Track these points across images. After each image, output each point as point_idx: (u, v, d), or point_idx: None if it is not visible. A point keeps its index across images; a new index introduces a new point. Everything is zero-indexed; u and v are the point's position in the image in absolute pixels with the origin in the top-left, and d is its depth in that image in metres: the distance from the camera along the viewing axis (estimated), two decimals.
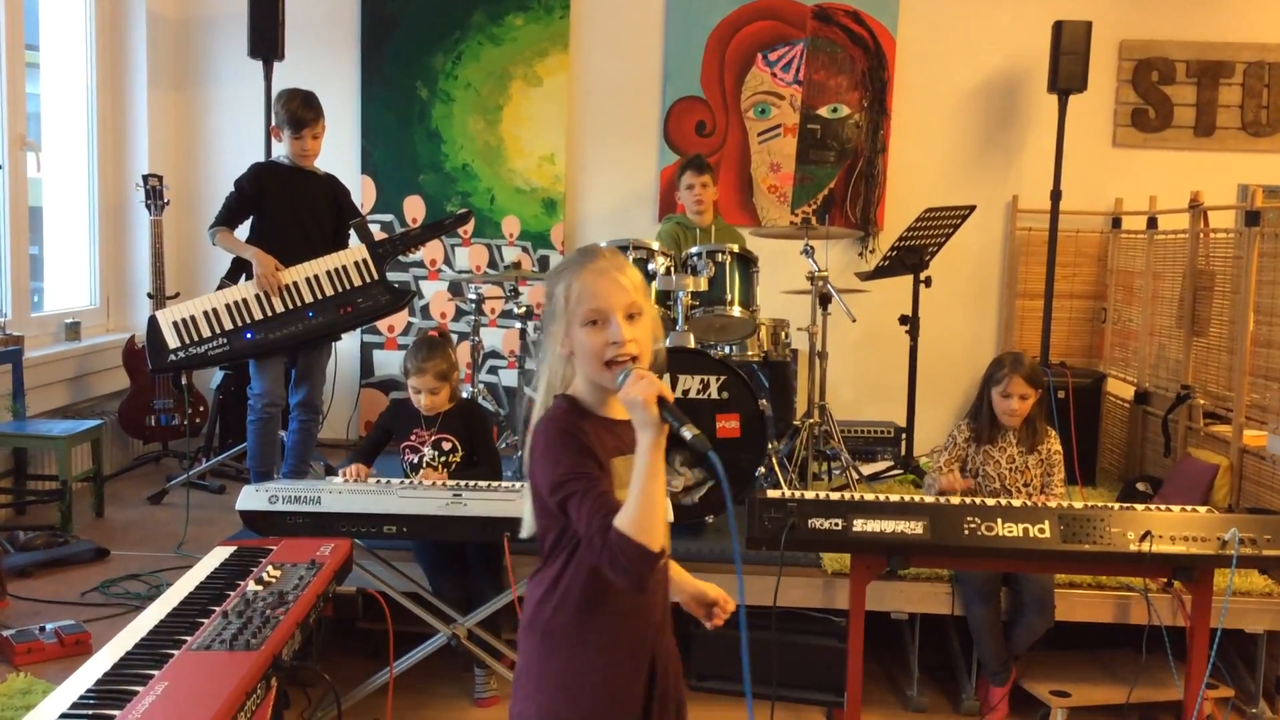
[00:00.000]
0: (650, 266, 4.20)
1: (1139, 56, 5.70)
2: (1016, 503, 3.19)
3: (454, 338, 5.21)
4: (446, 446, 3.60)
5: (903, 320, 4.86)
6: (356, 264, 4.19)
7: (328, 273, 4.17)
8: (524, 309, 4.67)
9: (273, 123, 4.30)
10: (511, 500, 3.07)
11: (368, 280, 4.20)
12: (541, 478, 1.76)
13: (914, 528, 3.00)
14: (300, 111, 4.16)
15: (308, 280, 4.14)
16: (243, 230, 4.28)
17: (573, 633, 1.79)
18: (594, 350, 1.76)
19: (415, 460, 3.60)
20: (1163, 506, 3.14)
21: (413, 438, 3.62)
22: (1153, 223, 5.25)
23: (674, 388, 3.84)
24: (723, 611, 1.96)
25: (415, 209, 5.72)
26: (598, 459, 1.74)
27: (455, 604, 3.39)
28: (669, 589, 1.92)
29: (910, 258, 4.74)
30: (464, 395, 3.87)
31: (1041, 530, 3.00)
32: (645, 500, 1.65)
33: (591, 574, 1.75)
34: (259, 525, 3.05)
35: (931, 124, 5.76)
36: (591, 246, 1.88)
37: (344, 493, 3.07)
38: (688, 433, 1.63)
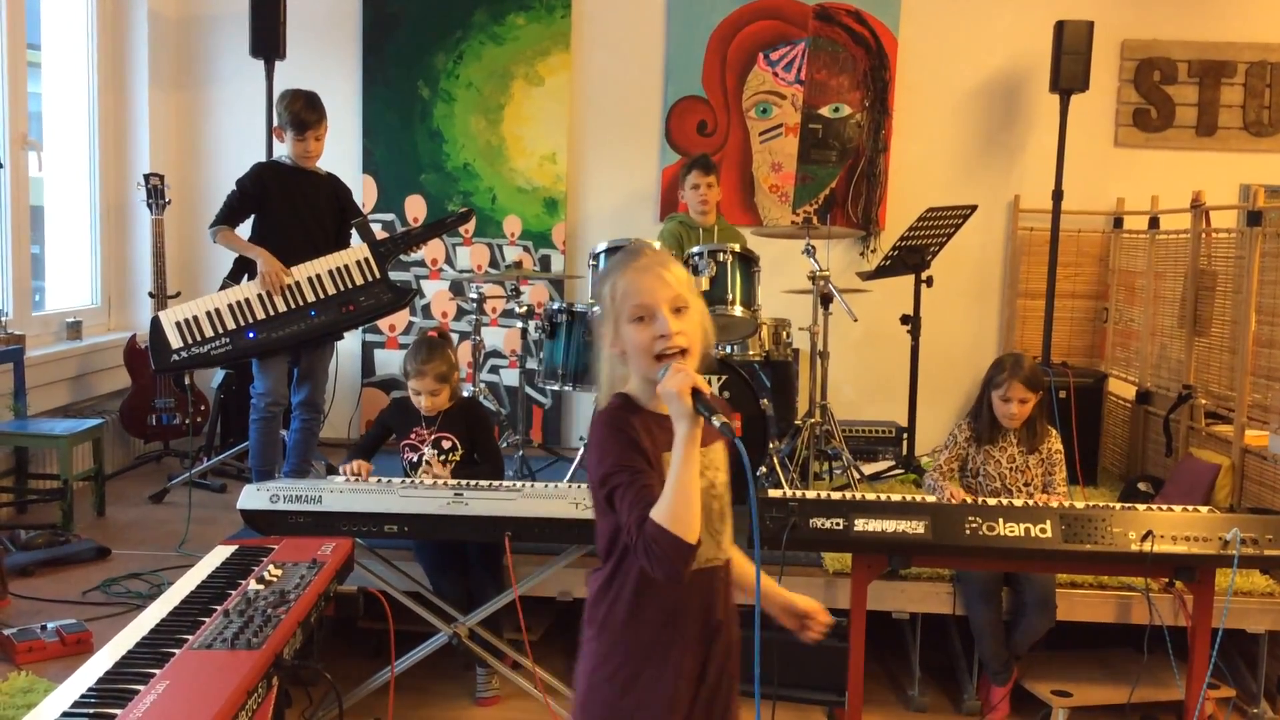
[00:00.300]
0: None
1: (1141, 56, 5.70)
2: (1018, 502, 3.19)
3: (454, 337, 5.21)
4: (446, 445, 3.60)
5: (904, 320, 4.86)
6: (358, 263, 4.19)
7: (330, 272, 4.17)
8: (525, 308, 4.67)
9: (275, 123, 4.29)
10: (513, 500, 3.07)
11: (370, 279, 4.20)
12: (592, 471, 1.81)
13: (915, 527, 3.00)
14: (303, 113, 4.16)
15: (310, 280, 4.14)
16: (243, 230, 4.28)
17: (626, 628, 1.83)
18: (642, 345, 1.79)
19: (415, 459, 3.61)
20: (1164, 506, 3.14)
21: (412, 436, 3.62)
22: (1154, 223, 5.24)
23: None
24: (817, 624, 1.94)
25: (416, 208, 5.72)
26: (645, 454, 1.77)
27: (455, 603, 3.39)
28: (731, 593, 1.90)
29: (912, 257, 4.73)
30: (465, 394, 3.86)
31: (1043, 530, 3.00)
32: (680, 492, 1.68)
33: (642, 572, 1.78)
34: (260, 524, 3.06)
35: (933, 123, 5.76)
36: (635, 244, 1.93)
37: (345, 492, 3.08)
38: (716, 421, 1.68)
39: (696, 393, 1.69)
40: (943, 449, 3.72)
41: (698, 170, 4.90)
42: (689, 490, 1.68)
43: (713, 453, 1.87)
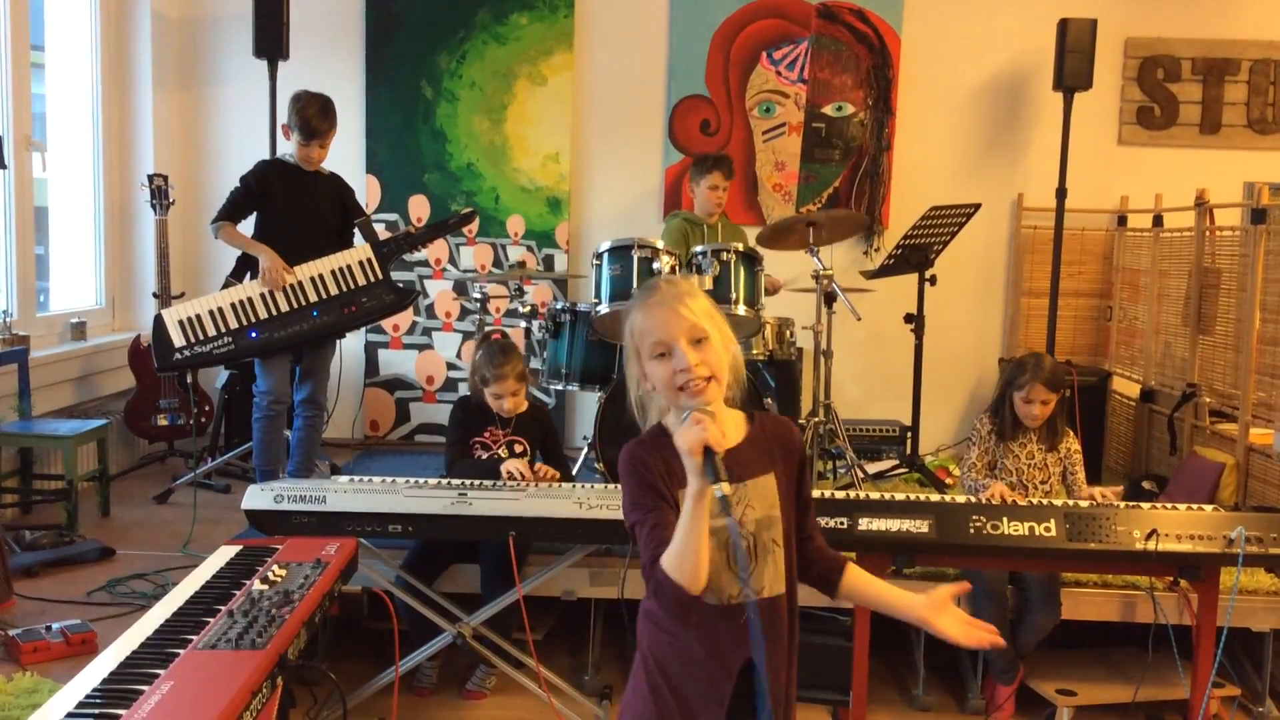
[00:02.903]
0: (655, 265, 4.20)
1: (1144, 54, 5.69)
2: (1023, 502, 3.18)
3: (458, 338, 5.20)
4: (519, 449, 3.60)
5: (908, 319, 4.85)
6: (361, 263, 4.19)
7: (332, 272, 4.17)
8: (529, 308, 4.67)
9: (284, 120, 4.28)
10: (517, 499, 3.07)
11: (372, 280, 4.20)
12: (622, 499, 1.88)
13: (919, 526, 3.00)
14: (315, 122, 4.14)
15: (312, 279, 4.15)
16: (245, 229, 4.27)
17: (663, 618, 1.86)
18: (665, 381, 1.82)
19: (485, 457, 3.60)
20: (1169, 505, 3.14)
21: (486, 435, 3.62)
22: (1158, 220, 5.24)
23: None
24: (977, 630, 1.92)
25: (420, 208, 5.72)
26: (660, 491, 1.80)
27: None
28: (776, 632, 1.89)
29: (915, 256, 4.73)
30: (536, 398, 3.86)
31: (1047, 529, 3.00)
32: (682, 546, 1.71)
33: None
34: (265, 524, 3.06)
35: (936, 122, 5.75)
36: (652, 281, 1.94)
37: (349, 492, 3.08)
38: (719, 491, 1.66)
39: (709, 451, 1.68)
40: (969, 446, 3.70)
41: (720, 173, 4.89)
42: (690, 544, 1.71)
43: (746, 488, 1.86)
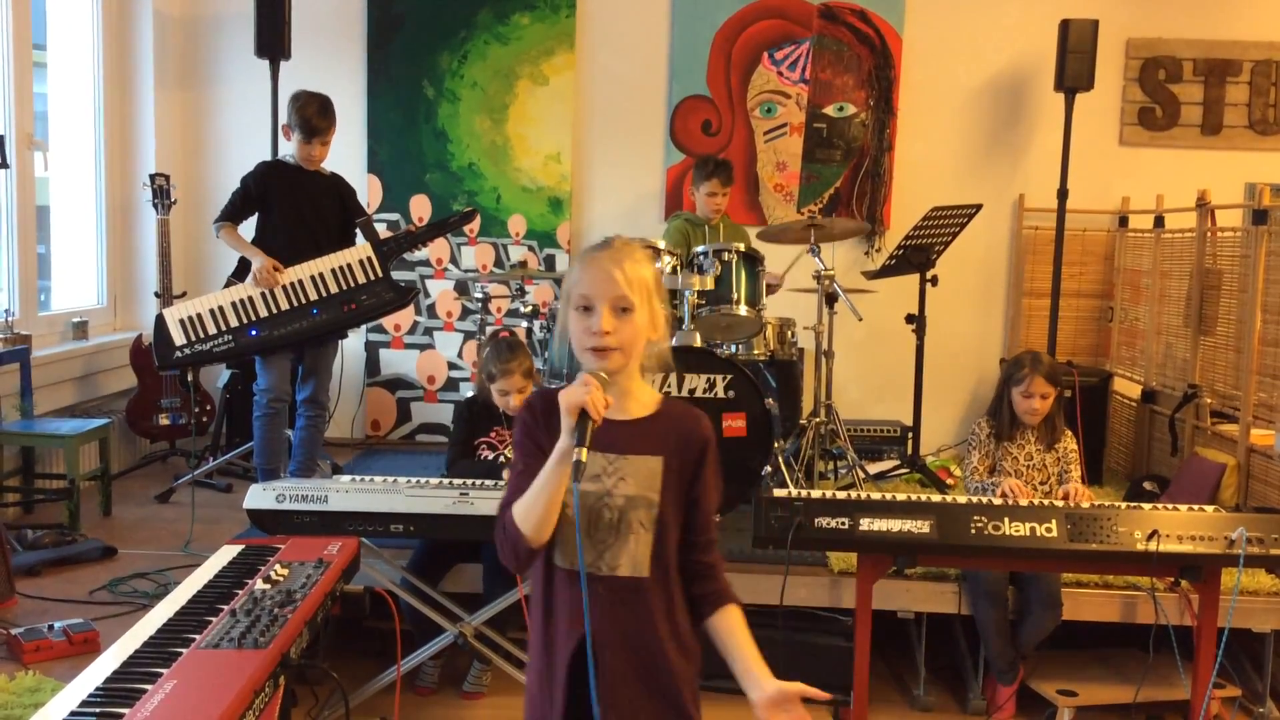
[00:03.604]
0: (657, 265, 4.20)
1: (1146, 55, 5.69)
2: (1023, 502, 3.19)
3: (460, 337, 5.21)
4: None
5: (909, 319, 4.85)
6: (361, 262, 4.20)
7: (332, 270, 4.18)
8: (530, 308, 4.67)
9: (284, 121, 4.29)
10: None
11: (372, 278, 4.20)
12: None
13: (921, 527, 3.00)
14: (315, 120, 4.16)
15: (312, 278, 4.15)
16: (247, 228, 4.28)
17: (532, 619, 1.91)
18: (576, 335, 1.84)
19: (491, 457, 3.60)
20: (1170, 506, 3.14)
21: (491, 436, 3.62)
22: (1160, 221, 5.23)
23: (680, 387, 3.84)
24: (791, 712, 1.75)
25: (421, 208, 5.73)
26: (540, 443, 1.82)
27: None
28: (637, 612, 1.83)
29: (917, 256, 4.73)
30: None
31: (1049, 529, 3.00)
32: (534, 495, 1.77)
33: (539, 566, 1.86)
34: (266, 524, 3.06)
35: (938, 123, 5.75)
36: (609, 238, 1.91)
37: (351, 492, 3.08)
38: (575, 456, 1.69)
39: (583, 414, 1.71)
40: (968, 450, 3.71)
41: (719, 180, 4.90)
42: (542, 495, 1.76)
43: (627, 462, 1.84)
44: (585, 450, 1.68)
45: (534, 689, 1.90)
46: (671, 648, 1.84)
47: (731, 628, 1.86)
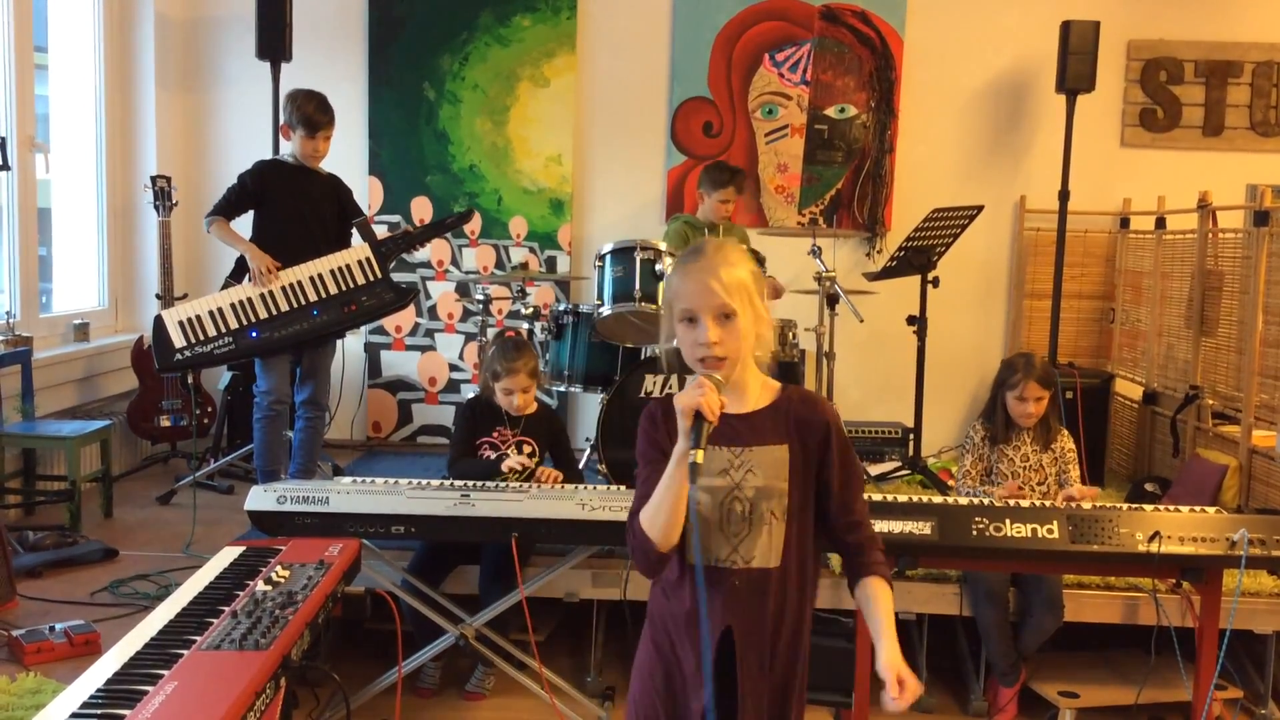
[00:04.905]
0: (658, 267, 4.20)
1: (1147, 56, 5.69)
2: (1024, 503, 3.18)
3: (460, 339, 5.20)
4: (527, 450, 3.60)
5: (910, 321, 4.86)
6: (360, 263, 4.19)
7: (331, 271, 4.17)
8: (531, 309, 4.67)
9: (283, 120, 4.29)
10: (520, 501, 3.07)
11: (371, 279, 4.20)
12: None
13: (922, 528, 3.00)
14: (315, 114, 4.16)
15: (312, 279, 4.15)
16: (245, 228, 4.27)
17: (654, 618, 1.93)
18: (685, 346, 1.87)
19: (493, 456, 3.60)
20: (1171, 507, 3.14)
21: (494, 435, 3.62)
22: (1161, 223, 5.23)
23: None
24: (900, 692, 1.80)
25: (422, 210, 5.73)
26: (664, 449, 1.83)
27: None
28: (773, 602, 1.87)
29: (918, 258, 4.73)
30: (544, 400, 3.88)
31: (1050, 531, 3.00)
32: (658, 502, 1.79)
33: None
34: (268, 525, 3.06)
35: (939, 124, 5.75)
36: (701, 243, 1.93)
37: (352, 493, 3.08)
38: (693, 457, 1.71)
39: (699, 416, 1.72)
40: (962, 454, 3.71)
41: (734, 188, 4.91)
42: (666, 500, 1.77)
43: (753, 454, 1.87)
44: (701, 452, 1.70)
45: (656, 685, 1.90)
46: (799, 637, 1.91)
47: (869, 597, 1.91)
